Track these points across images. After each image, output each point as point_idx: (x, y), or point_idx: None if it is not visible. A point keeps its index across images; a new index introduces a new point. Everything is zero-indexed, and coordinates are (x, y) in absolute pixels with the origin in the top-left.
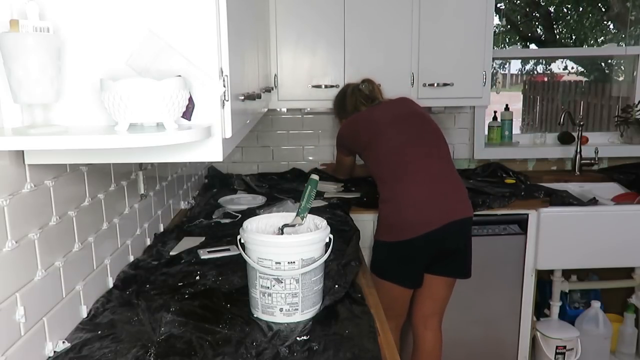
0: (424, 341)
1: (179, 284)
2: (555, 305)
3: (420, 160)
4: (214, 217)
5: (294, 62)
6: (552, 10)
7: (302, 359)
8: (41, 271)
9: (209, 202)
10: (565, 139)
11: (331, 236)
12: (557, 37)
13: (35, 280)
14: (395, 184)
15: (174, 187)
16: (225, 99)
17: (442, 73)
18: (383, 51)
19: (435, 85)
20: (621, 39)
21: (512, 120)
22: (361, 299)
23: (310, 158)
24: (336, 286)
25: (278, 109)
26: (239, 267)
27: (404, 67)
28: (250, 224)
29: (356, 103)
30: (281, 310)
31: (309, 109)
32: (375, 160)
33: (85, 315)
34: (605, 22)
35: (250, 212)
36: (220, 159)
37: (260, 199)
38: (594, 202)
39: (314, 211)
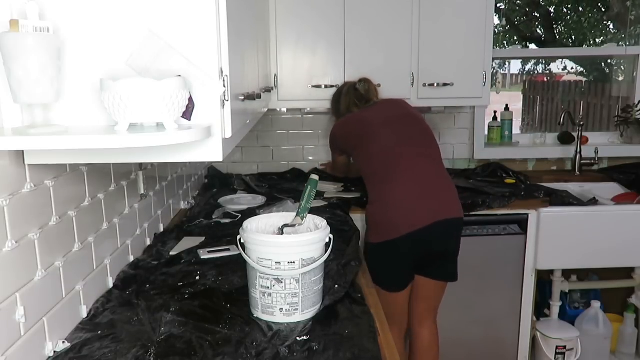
0: (421, 339)
1: (179, 284)
2: (555, 305)
3: (410, 161)
4: (214, 217)
5: (294, 62)
6: (552, 11)
7: (302, 359)
8: (41, 271)
9: (209, 202)
10: (565, 139)
11: (331, 236)
12: (557, 37)
13: (35, 280)
14: (383, 185)
15: (174, 187)
16: (225, 99)
17: (442, 73)
18: (383, 51)
19: (435, 85)
20: (621, 39)
21: (512, 120)
22: (361, 299)
23: (310, 158)
24: (336, 286)
25: (278, 109)
26: (239, 267)
27: (404, 67)
28: (250, 224)
29: (349, 104)
30: (281, 310)
31: (309, 109)
32: (365, 160)
33: (85, 315)
34: (605, 22)
35: (250, 212)
36: (220, 159)
37: (260, 199)
38: (594, 202)
39: (314, 211)
